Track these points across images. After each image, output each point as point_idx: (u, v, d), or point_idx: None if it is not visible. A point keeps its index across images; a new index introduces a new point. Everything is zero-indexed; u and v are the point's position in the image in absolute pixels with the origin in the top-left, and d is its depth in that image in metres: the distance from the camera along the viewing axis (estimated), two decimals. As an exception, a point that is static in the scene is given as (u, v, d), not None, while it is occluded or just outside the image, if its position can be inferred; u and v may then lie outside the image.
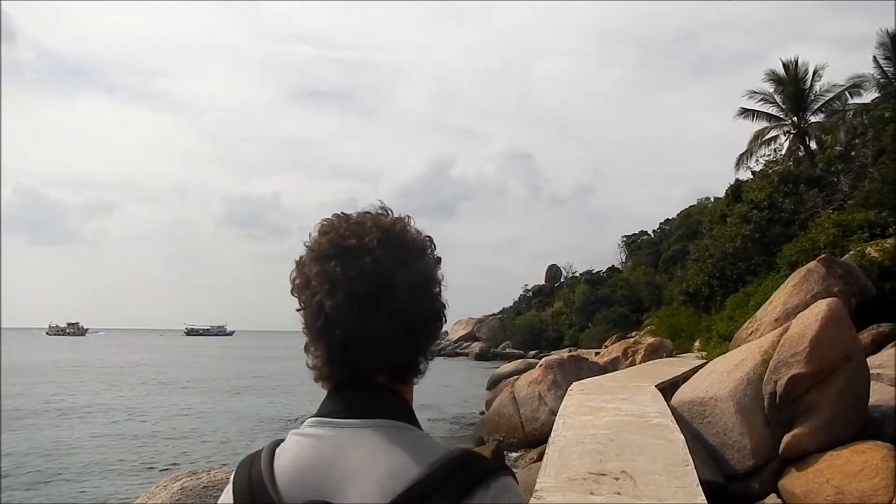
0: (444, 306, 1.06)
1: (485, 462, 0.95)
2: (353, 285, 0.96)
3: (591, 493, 4.72)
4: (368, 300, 0.97)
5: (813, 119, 28.57)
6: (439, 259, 1.07)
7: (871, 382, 7.89)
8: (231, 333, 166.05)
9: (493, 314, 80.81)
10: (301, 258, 1.02)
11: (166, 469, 13.27)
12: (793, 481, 7.15)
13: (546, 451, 7.91)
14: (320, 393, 1.03)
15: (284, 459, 0.97)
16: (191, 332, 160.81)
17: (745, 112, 29.49)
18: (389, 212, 1.05)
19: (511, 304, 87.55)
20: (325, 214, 1.04)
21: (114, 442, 17.15)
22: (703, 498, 5.45)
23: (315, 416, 1.01)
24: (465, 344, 74.16)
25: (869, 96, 27.20)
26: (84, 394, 27.34)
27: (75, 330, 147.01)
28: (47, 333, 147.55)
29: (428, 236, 1.07)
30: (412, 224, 1.06)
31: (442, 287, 1.06)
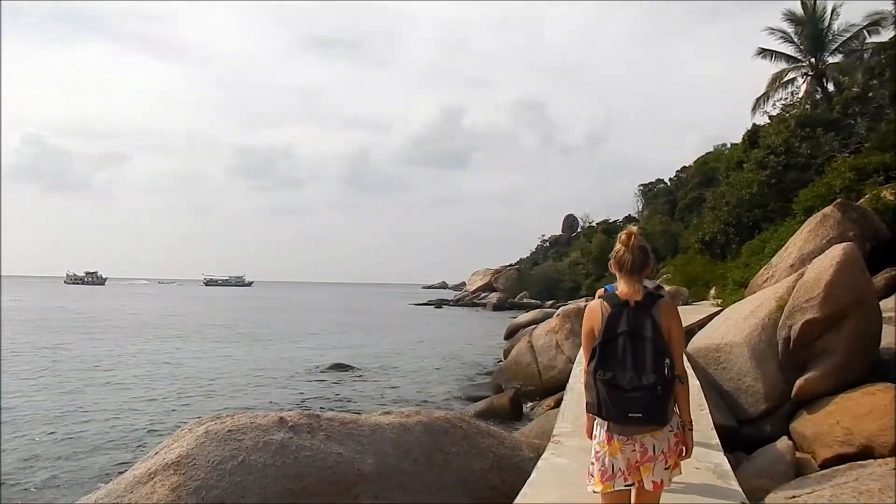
0: None
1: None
2: None
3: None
4: None
5: (831, 60, 27.87)
6: None
7: (884, 325, 8.00)
8: (250, 284, 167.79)
9: (511, 265, 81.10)
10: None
11: (191, 412, 13.82)
12: (803, 424, 7.32)
13: (563, 398, 8.18)
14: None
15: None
16: (209, 283, 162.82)
17: (764, 52, 28.82)
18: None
19: (528, 255, 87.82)
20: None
21: (142, 385, 17.73)
22: (718, 440, 5.70)
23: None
24: (483, 294, 74.62)
25: (888, 34, 26.23)
26: (113, 341, 28.00)
27: (94, 279, 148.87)
28: (65, 282, 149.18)
29: None
30: None
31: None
